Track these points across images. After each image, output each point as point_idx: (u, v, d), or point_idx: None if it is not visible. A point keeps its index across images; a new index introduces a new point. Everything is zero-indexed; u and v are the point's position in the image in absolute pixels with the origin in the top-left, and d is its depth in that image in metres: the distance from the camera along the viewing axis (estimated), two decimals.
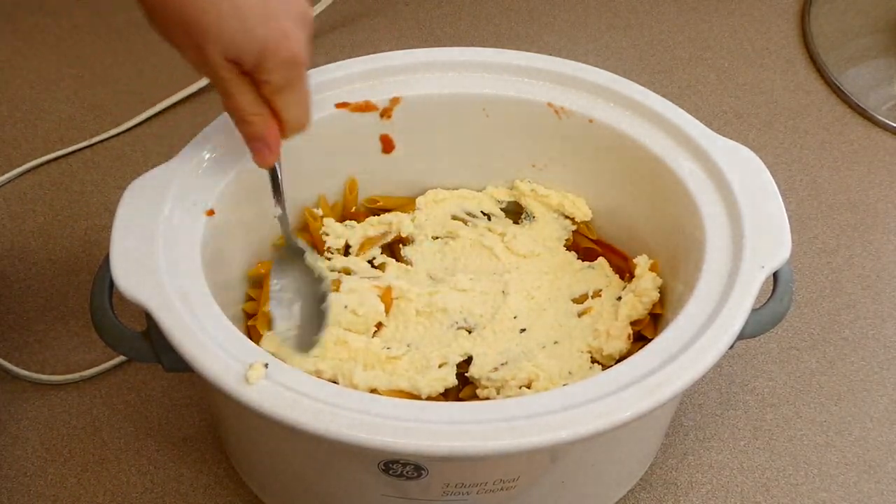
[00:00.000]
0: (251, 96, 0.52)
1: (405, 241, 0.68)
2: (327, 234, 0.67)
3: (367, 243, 0.67)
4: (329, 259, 0.66)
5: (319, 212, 0.67)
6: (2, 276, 0.77)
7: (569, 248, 0.68)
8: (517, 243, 0.67)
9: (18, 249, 0.79)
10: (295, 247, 0.61)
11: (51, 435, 0.69)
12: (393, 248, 0.68)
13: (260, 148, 0.55)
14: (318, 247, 0.66)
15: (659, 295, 0.62)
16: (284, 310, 0.59)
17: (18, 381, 0.71)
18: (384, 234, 0.67)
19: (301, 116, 0.55)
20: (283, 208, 0.59)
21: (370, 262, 0.66)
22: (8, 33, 0.96)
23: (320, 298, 0.60)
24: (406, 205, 0.69)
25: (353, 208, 0.68)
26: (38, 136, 0.87)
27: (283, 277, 0.60)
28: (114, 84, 0.92)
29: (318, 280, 0.61)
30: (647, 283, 0.62)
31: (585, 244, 0.68)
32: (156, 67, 0.94)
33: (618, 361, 0.59)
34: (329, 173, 0.67)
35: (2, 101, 0.90)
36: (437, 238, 0.68)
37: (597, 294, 0.65)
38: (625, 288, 0.65)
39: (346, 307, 0.61)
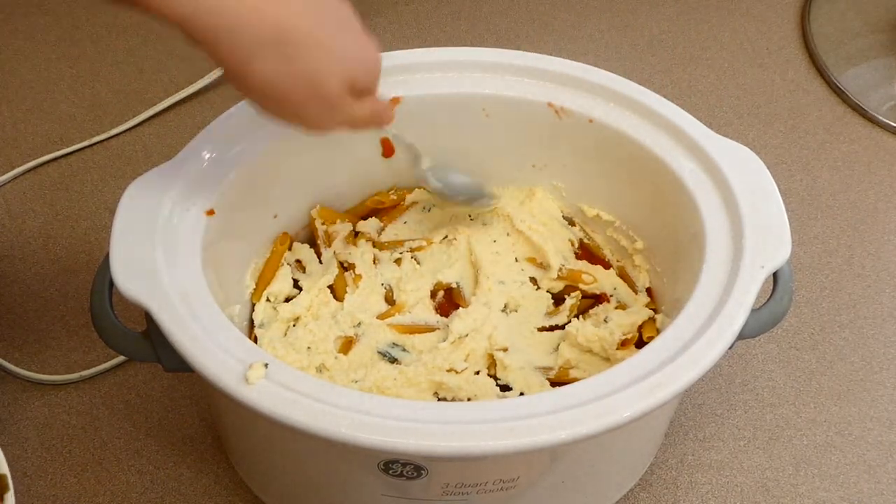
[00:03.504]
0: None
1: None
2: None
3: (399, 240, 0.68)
4: (330, 249, 0.67)
5: (318, 217, 0.67)
6: (2, 276, 0.77)
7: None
8: (503, 248, 0.67)
9: (18, 249, 0.79)
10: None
11: (51, 435, 0.69)
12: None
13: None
14: (323, 242, 0.67)
15: (644, 318, 0.63)
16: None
17: (18, 381, 0.71)
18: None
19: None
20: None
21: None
22: (8, 33, 0.96)
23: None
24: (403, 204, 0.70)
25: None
26: (38, 136, 0.87)
27: None
28: (114, 84, 0.92)
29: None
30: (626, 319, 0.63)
31: (558, 289, 0.67)
32: (156, 67, 0.94)
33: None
34: (330, 173, 0.67)
35: (2, 101, 0.90)
36: (445, 238, 0.68)
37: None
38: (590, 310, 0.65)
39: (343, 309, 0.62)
